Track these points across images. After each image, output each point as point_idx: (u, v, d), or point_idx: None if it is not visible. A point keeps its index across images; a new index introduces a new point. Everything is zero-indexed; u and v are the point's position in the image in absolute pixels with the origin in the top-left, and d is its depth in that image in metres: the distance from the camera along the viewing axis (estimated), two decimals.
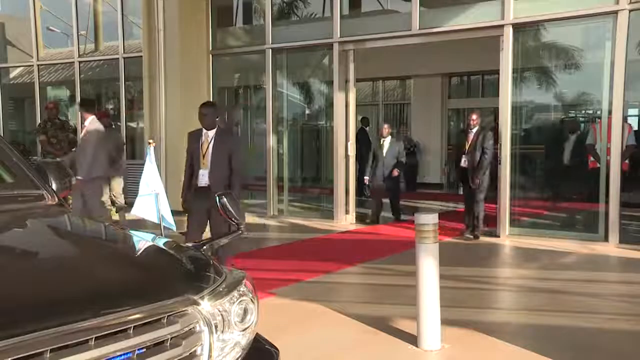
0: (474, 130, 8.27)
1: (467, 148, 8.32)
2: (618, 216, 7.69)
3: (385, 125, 10.21)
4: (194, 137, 5.96)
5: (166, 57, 10.89)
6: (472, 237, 8.33)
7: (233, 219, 2.94)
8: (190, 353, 2.00)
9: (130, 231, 2.81)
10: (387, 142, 9.96)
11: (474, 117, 8.36)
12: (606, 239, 7.74)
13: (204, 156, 5.84)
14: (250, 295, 2.27)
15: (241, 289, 2.25)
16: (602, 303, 5.43)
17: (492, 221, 8.55)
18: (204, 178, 5.83)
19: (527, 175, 9.17)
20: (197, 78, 11.14)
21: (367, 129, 13.79)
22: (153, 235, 2.77)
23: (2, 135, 9.78)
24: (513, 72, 8.37)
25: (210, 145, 5.83)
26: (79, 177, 7.03)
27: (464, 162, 8.35)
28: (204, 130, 5.89)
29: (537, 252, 7.53)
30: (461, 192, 10.26)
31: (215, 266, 2.35)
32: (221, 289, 2.18)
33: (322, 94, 11.43)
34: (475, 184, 8.18)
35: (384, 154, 9.89)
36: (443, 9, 9.48)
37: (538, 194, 9.58)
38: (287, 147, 11.11)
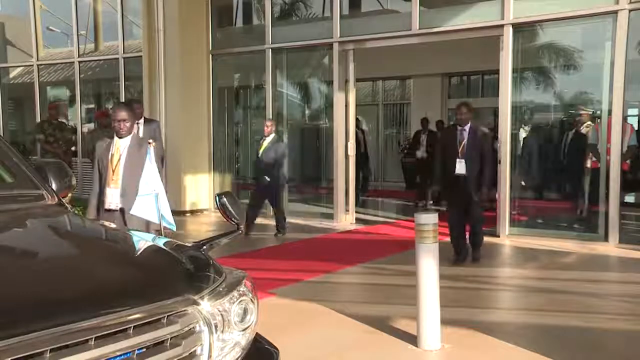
0: (467, 127, 6.66)
1: (460, 150, 6.62)
2: (618, 216, 7.68)
3: (268, 122, 8.65)
4: (105, 146, 4.85)
5: (166, 57, 10.88)
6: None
7: (233, 219, 2.95)
8: (190, 353, 2.00)
9: (130, 231, 2.81)
10: (266, 142, 8.48)
11: (464, 110, 6.67)
12: (606, 239, 7.73)
13: (113, 171, 4.66)
14: (250, 295, 2.28)
15: (241, 289, 2.26)
16: (602, 303, 5.43)
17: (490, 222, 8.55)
18: (113, 199, 4.71)
19: (527, 175, 9.16)
20: (197, 78, 11.14)
21: (364, 129, 13.91)
22: (153, 235, 2.77)
23: (2, 135, 9.78)
24: (513, 72, 8.35)
25: (123, 158, 4.63)
26: None
27: (460, 168, 6.62)
28: (115, 138, 4.74)
29: (537, 252, 7.52)
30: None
31: (215, 266, 2.35)
32: (221, 289, 2.18)
33: (322, 94, 11.43)
34: (482, 199, 6.66)
35: (260, 156, 8.47)
36: (443, 9, 9.47)
37: (538, 193, 9.57)
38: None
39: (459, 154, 6.64)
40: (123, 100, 12.52)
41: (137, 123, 8.13)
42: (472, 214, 6.83)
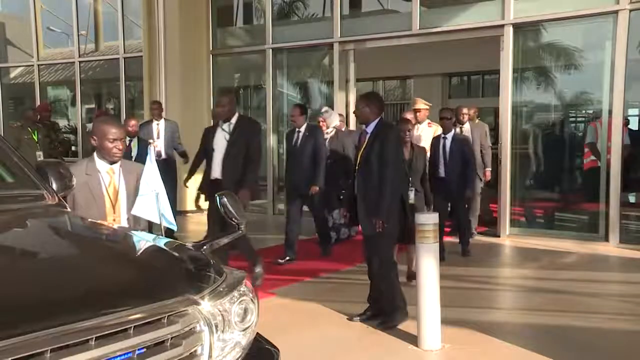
0: (370, 127, 4.72)
1: (358, 161, 4.75)
2: (618, 216, 7.68)
3: None
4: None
5: (166, 57, 10.89)
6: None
7: (233, 218, 2.94)
8: (191, 353, 2.01)
9: (131, 231, 2.81)
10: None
11: (361, 105, 4.74)
12: (606, 239, 7.73)
13: (113, 205, 3.54)
14: (251, 295, 2.28)
15: (241, 288, 2.26)
16: (602, 303, 5.43)
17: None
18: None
19: (527, 175, 9.15)
20: (197, 78, 11.15)
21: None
22: (153, 235, 2.77)
23: (2, 135, 9.75)
24: (513, 72, 8.37)
25: (122, 185, 3.59)
26: None
27: (356, 185, 4.75)
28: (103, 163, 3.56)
29: (537, 252, 7.52)
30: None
31: (215, 266, 2.35)
32: (221, 289, 2.18)
33: (322, 94, 11.43)
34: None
35: None
36: (443, 9, 9.48)
37: (538, 193, 9.55)
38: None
39: (356, 166, 4.74)
40: (123, 100, 12.54)
41: (157, 124, 8.30)
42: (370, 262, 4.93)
